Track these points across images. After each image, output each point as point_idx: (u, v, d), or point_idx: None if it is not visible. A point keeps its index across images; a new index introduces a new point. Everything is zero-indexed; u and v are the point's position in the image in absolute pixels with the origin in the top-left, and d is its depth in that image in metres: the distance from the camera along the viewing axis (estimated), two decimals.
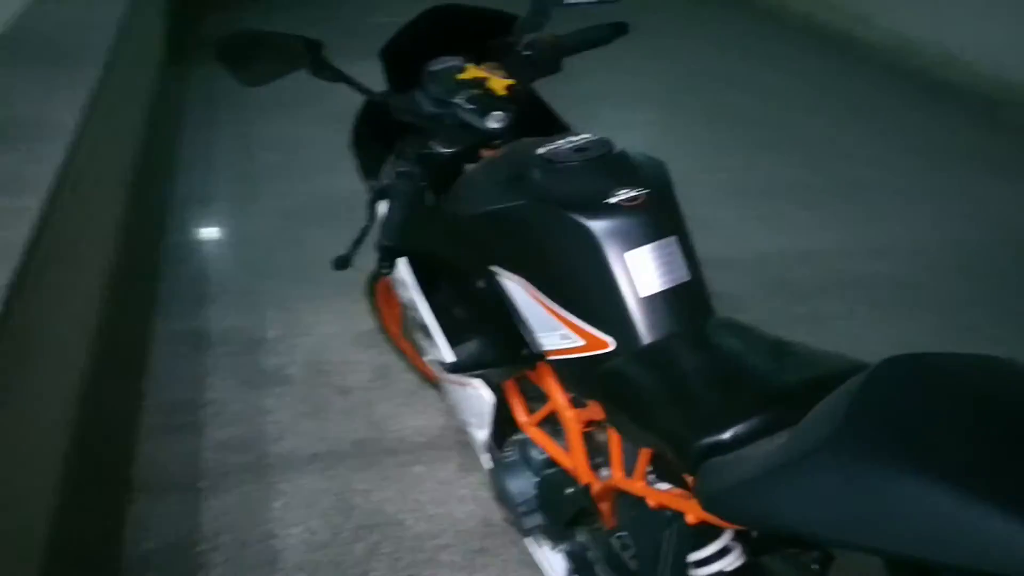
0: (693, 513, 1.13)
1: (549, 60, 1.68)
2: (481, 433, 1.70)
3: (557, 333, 1.31)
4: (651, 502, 1.23)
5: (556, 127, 1.71)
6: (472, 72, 1.62)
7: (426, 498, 2.11)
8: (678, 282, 1.24)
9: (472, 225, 1.43)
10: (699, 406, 1.07)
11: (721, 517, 0.94)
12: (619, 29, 1.75)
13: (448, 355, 1.57)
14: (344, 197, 2.61)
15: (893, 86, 5.41)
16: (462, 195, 1.48)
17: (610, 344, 1.22)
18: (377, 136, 1.78)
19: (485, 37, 1.72)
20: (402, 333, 2.41)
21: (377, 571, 1.91)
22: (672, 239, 1.25)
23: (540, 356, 1.41)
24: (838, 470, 0.76)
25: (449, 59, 1.65)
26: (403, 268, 1.66)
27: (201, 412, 2.34)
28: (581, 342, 1.27)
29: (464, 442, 2.25)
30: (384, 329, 2.45)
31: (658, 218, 1.26)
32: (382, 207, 1.57)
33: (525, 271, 1.34)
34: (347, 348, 2.65)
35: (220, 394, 2.42)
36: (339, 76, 1.59)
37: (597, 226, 1.22)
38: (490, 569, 1.92)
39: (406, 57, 1.67)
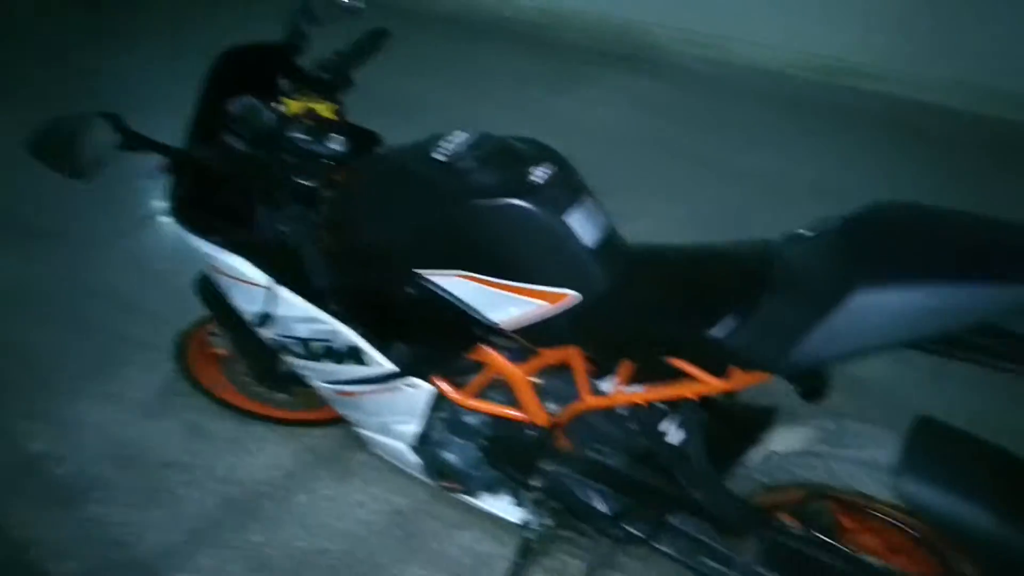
0: (696, 392, 1.46)
1: (345, 77, 1.81)
2: (410, 427, 1.82)
3: (511, 305, 1.51)
4: (640, 400, 1.53)
5: (366, 135, 1.83)
6: (295, 106, 1.68)
7: (327, 519, 2.16)
8: (605, 229, 1.52)
9: (389, 243, 1.55)
10: (690, 304, 1.38)
11: (787, 371, 1.27)
12: (383, 34, 1.91)
13: (386, 364, 1.67)
14: None
15: None
16: (361, 220, 1.58)
17: (573, 296, 1.46)
18: (199, 192, 1.75)
19: (267, 72, 1.77)
20: (223, 382, 2.35)
21: None
22: (588, 196, 1.52)
23: (490, 332, 1.59)
24: (865, 294, 1.13)
25: (241, 99, 1.68)
26: (292, 300, 1.69)
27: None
28: (542, 303, 1.49)
29: (322, 454, 2.32)
30: (200, 385, 2.35)
31: (572, 183, 1.51)
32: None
33: (464, 264, 1.50)
34: (138, 425, 2.46)
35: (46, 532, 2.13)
36: (148, 143, 1.57)
37: (535, 202, 1.43)
38: (427, 544, 2.07)
39: (208, 109, 1.68)
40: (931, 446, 1.34)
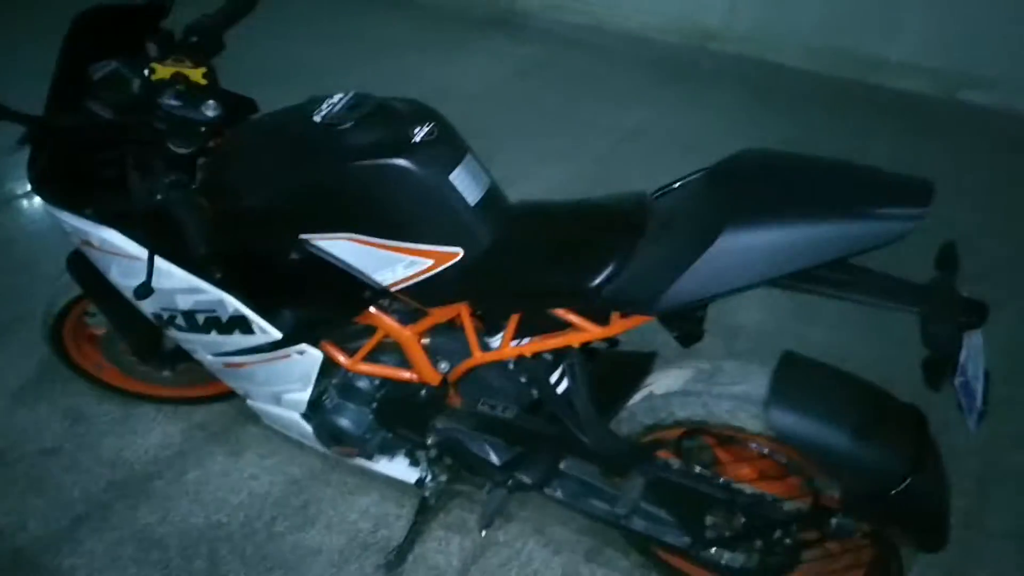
0: (578, 340, 1.52)
1: (215, 40, 1.77)
2: (302, 395, 1.82)
3: (399, 265, 1.53)
4: (528, 352, 1.58)
5: (241, 101, 1.80)
6: (163, 71, 1.64)
7: (222, 493, 2.14)
8: (487, 187, 1.55)
9: (271, 209, 1.54)
10: (570, 256, 1.44)
11: (663, 313, 1.34)
12: None
13: (273, 332, 1.66)
14: None
15: None
16: (241, 184, 1.56)
17: (459, 252, 1.50)
18: (64, 164, 1.68)
19: (132, 36, 1.72)
20: (103, 363, 2.27)
21: (232, 571, 1.94)
22: (469, 155, 1.55)
23: (379, 294, 1.61)
24: (732, 235, 1.21)
25: (104, 64, 1.63)
26: (172, 271, 1.65)
27: None
28: (429, 262, 1.52)
29: (211, 429, 2.29)
30: (79, 369, 2.26)
31: (454, 142, 1.54)
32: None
33: (350, 227, 1.51)
34: (11, 414, 2.36)
35: None
36: (3, 112, 1.51)
37: (419, 162, 1.45)
38: (325, 511, 2.09)
39: (69, 74, 1.62)
40: (796, 379, 1.45)
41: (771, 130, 4.01)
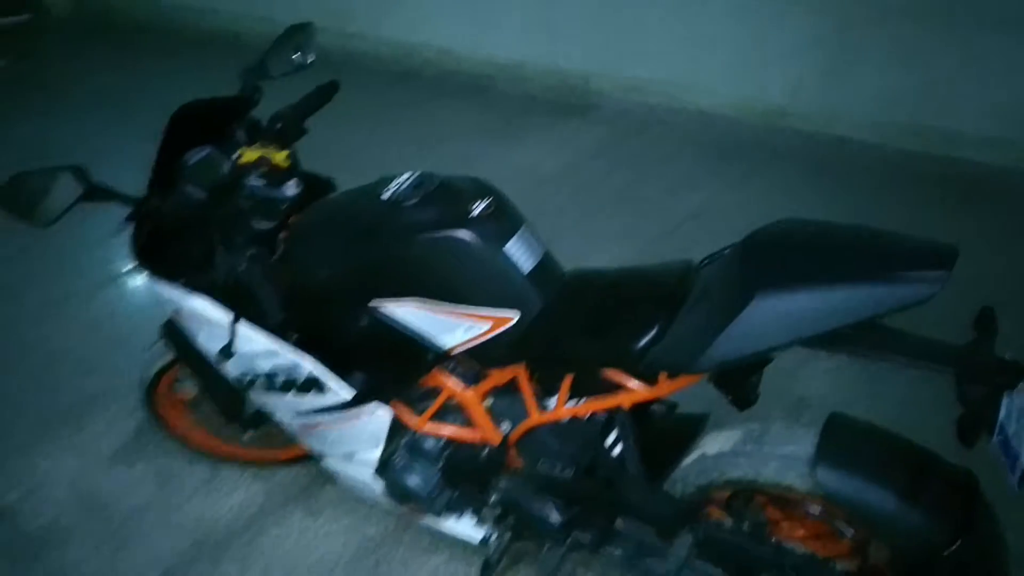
0: (629, 401, 1.60)
1: (297, 126, 1.95)
2: (373, 454, 1.93)
3: (460, 329, 1.64)
4: (581, 412, 1.66)
5: (320, 181, 1.97)
6: (250, 155, 1.82)
7: (300, 552, 2.24)
8: (540, 255, 1.67)
9: (342, 277, 1.68)
10: (617, 320, 1.52)
11: (699, 372, 1.41)
12: (334, 87, 2.06)
13: (345, 392, 1.79)
14: None
15: None
16: (316, 257, 1.71)
17: (513, 317, 1.60)
18: (161, 240, 1.87)
19: (223, 124, 1.92)
20: (192, 426, 2.45)
21: None
22: (524, 227, 1.67)
23: (442, 357, 1.72)
24: (763, 299, 1.28)
25: (198, 150, 1.82)
26: (253, 335, 1.80)
27: None
28: (487, 325, 1.62)
29: (291, 490, 2.41)
30: (170, 430, 2.44)
31: (510, 215, 1.66)
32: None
33: (415, 292, 1.64)
34: (108, 474, 2.54)
35: None
36: (110, 194, 1.70)
37: (476, 234, 1.58)
38: (396, 570, 2.17)
39: (167, 160, 1.81)
40: (842, 438, 1.49)
41: (834, 204, 4.01)
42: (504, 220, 1.64)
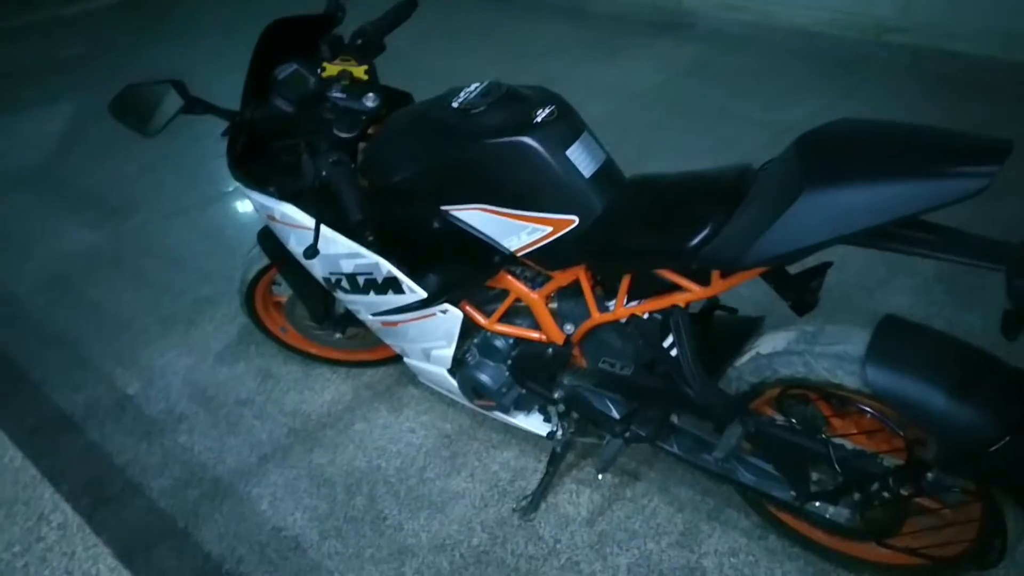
0: (683, 300, 1.66)
1: (376, 42, 2.04)
2: (447, 351, 2.07)
3: (523, 232, 1.73)
4: (639, 312, 1.73)
5: (398, 94, 2.07)
6: (332, 69, 1.93)
7: (383, 443, 2.42)
8: (601, 161, 1.72)
9: (415, 182, 1.78)
10: (672, 220, 1.58)
11: (745, 268, 1.45)
12: (412, 4, 2.14)
13: (420, 291, 1.91)
14: None
15: None
16: (391, 163, 1.82)
17: (574, 220, 1.68)
18: (254, 150, 2.01)
19: (309, 40, 2.02)
20: (285, 326, 2.64)
21: (386, 508, 2.21)
22: (586, 132, 1.72)
23: (509, 259, 1.82)
24: (810, 196, 1.31)
25: (286, 66, 1.93)
26: (336, 238, 1.93)
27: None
28: (548, 229, 1.70)
29: (377, 389, 2.58)
30: (268, 332, 2.65)
31: (572, 121, 1.72)
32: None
33: (482, 198, 1.72)
34: (215, 370, 2.78)
35: (142, 456, 2.46)
36: (208, 107, 1.84)
37: (539, 139, 1.64)
38: (470, 462, 2.32)
39: (258, 75, 1.93)
40: (894, 339, 1.51)
41: (942, 118, 3.87)
42: (566, 126, 1.70)
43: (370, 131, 1.92)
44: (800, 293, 1.62)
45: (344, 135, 1.88)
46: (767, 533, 2.02)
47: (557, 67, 4.78)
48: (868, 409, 1.57)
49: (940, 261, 1.31)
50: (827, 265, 1.62)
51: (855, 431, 1.63)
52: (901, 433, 1.54)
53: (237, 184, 2.04)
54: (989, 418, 1.37)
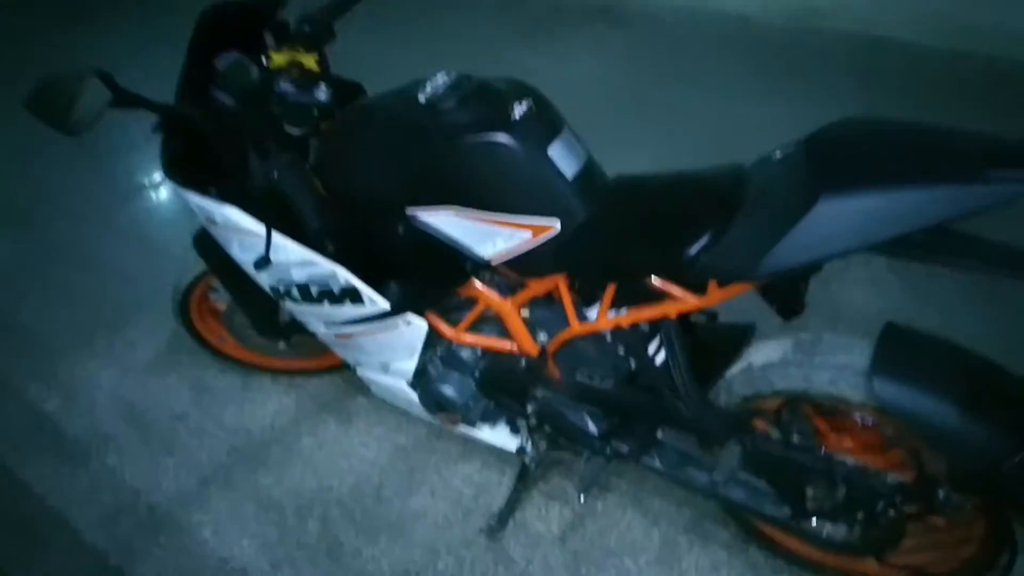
0: (675, 310, 1.54)
1: (326, 29, 1.85)
2: (409, 363, 1.91)
3: (499, 238, 1.58)
4: (624, 323, 1.61)
5: (350, 85, 1.89)
6: (279, 58, 1.74)
7: (334, 459, 2.25)
8: (584, 161, 1.59)
9: (378, 185, 1.61)
10: (666, 226, 1.45)
11: (757, 278, 1.35)
12: None
13: (381, 302, 1.75)
14: None
15: None
16: (350, 164, 1.64)
17: (555, 225, 1.54)
18: (192, 148, 1.80)
19: (252, 27, 1.83)
20: (225, 336, 2.43)
21: (341, 533, 2.05)
22: (566, 129, 1.59)
23: (480, 267, 1.67)
24: (828, 202, 1.20)
25: (227, 55, 1.74)
26: (288, 245, 1.75)
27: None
28: (527, 235, 1.56)
29: (323, 399, 2.41)
30: (204, 342, 2.43)
31: (551, 117, 1.58)
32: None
33: (453, 200, 1.57)
34: (144, 383, 2.55)
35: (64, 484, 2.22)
36: (139, 101, 1.63)
37: (517, 137, 1.50)
38: (430, 477, 2.17)
39: (196, 66, 1.73)
40: (899, 349, 1.43)
41: (875, 107, 3.87)
42: (546, 122, 1.56)
43: (323, 127, 1.74)
44: (786, 297, 1.53)
45: (295, 132, 1.70)
46: (747, 545, 1.94)
47: (488, 54, 4.64)
48: (870, 423, 1.48)
49: (963, 272, 1.23)
50: (817, 268, 1.53)
51: (855, 446, 1.55)
52: (902, 447, 1.46)
53: (171, 183, 1.83)
54: (1003, 432, 1.30)
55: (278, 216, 1.71)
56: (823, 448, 1.54)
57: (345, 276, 1.72)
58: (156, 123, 1.75)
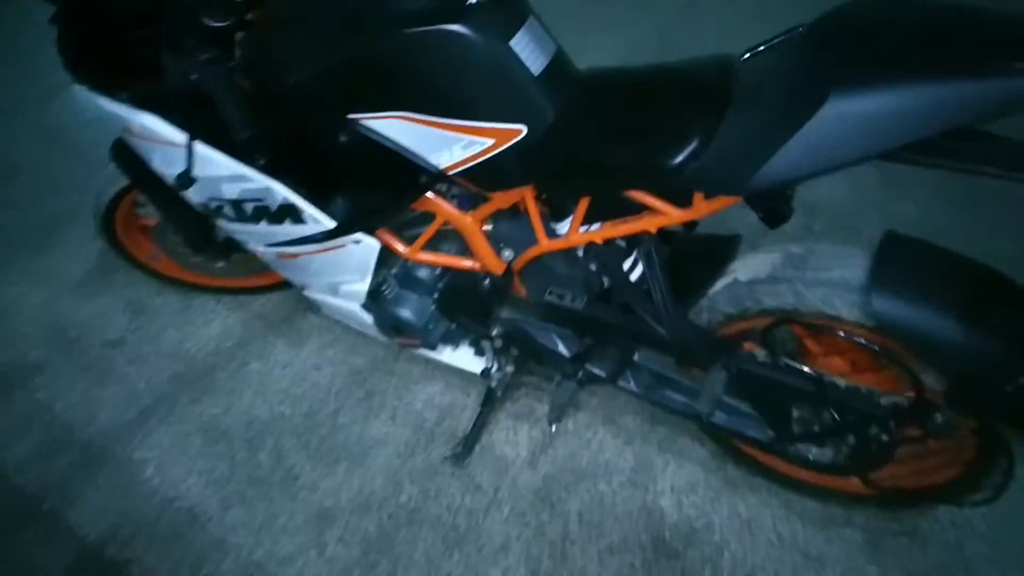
0: (656, 225, 1.38)
1: None
2: (360, 285, 1.73)
3: (457, 146, 1.39)
4: (598, 239, 1.45)
5: None
6: None
7: (285, 384, 2.10)
8: (552, 54, 1.39)
9: (314, 84, 1.40)
10: (648, 130, 1.28)
11: (757, 191, 1.18)
12: None
13: (326, 221, 1.56)
14: None
15: None
16: (282, 60, 1.42)
17: (521, 130, 1.35)
18: (98, 43, 1.56)
19: None
20: (158, 254, 2.22)
21: (297, 464, 1.92)
22: (532, 17, 1.38)
23: (436, 179, 1.48)
24: (839, 101, 1.04)
25: None
26: (215, 157, 1.54)
27: None
28: (489, 142, 1.37)
29: (271, 319, 2.24)
30: (135, 261, 2.22)
31: (515, 3, 1.37)
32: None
33: (402, 104, 1.37)
34: (75, 306, 2.34)
35: None
36: None
37: (475, 27, 1.29)
38: (390, 401, 2.04)
39: None
40: (900, 261, 1.30)
41: None
42: (508, 10, 1.35)
43: (249, 17, 1.50)
44: (774, 203, 1.37)
45: (216, 24, 1.46)
46: (724, 463, 1.86)
47: None
48: (864, 342, 1.36)
49: (985, 177, 1.08)
50: None
51: (846, 366, 1.43)
52: (904, 369, 1.34)
53: (79, 87, 1.59)
54: (1007, 350, 1.18)
55: (202, 124, 1.49)
56: (812, 369, 1.42)
57: (282, 192, 1.53)
58: (54, 14, 1.50)
